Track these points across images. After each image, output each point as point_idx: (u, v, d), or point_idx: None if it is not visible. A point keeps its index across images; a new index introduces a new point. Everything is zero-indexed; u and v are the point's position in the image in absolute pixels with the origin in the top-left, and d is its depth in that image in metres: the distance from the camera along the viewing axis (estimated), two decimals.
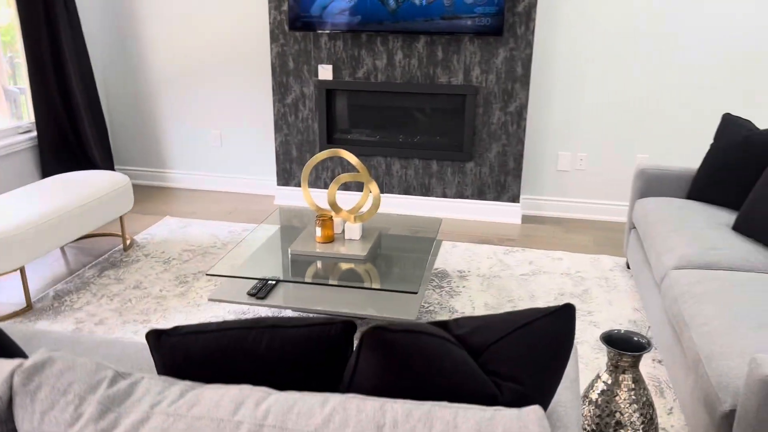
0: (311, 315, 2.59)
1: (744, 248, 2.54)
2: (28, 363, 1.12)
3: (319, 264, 2.86)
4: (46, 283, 3.24)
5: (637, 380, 1.78)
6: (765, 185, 2.63)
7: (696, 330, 2.03)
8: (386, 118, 4.20)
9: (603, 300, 3.10)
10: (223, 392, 1.09)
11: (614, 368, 1.78)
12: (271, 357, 1.23)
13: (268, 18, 4.10)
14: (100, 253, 3.58)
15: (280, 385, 1.22)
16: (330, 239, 2.97)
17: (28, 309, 2.96)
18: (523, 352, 1.19)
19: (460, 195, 4.18)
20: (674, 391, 2.30)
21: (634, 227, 3.30)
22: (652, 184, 3.25)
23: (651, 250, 2.76)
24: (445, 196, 4.21)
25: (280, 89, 4.23)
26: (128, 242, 3.66)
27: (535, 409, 1.00)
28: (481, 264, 3.49)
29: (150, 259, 3.52)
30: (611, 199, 4.16)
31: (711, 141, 3.90)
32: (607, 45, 3.86)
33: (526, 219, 4.20)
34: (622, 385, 1.78)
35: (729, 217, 2.86)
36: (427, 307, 3.02)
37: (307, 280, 2.71)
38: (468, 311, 2.98)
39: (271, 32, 4.11)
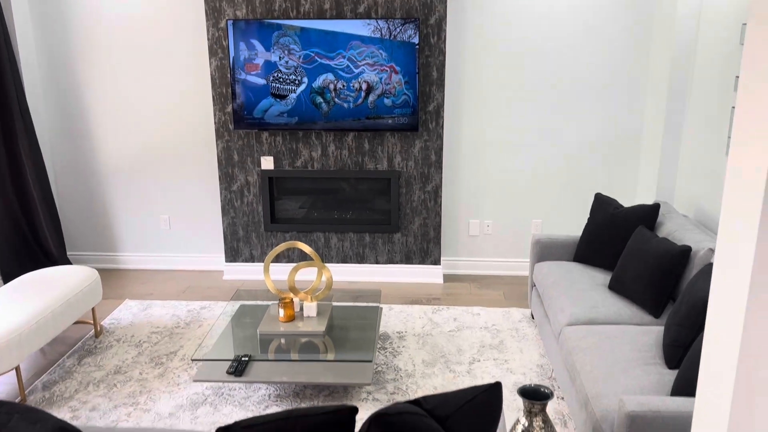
0: (319, 404, 3.13)
1: (617, 305, 3.34)
2: None
3: (283, 341, 3.40)
4: (30, 375, 3.57)
5: (546, 420, 2.47)
6: (627, 255, 3.47)
7: (584, 376, 2.77)
8: (323, 199, 4.82)
9: (515, 349, 3.83)
10: None
11: (529, 413, 2.47)
12: None
13: (214, 118, 4.65)
14: (73, 342, 3.93)
15: None
16: (291, 318, 3.53)
17: (23, 402, 3.30)
18: (473, 418, 1.83)
19: (391, 261, 4.85)
20: (574, 422, 3.02)
21: (535, 286, 4.08)
22: (545, 250, 4.05)
23: (549, 309, 3.52)
24: (377, 262, 4.86)
25: (226, 178, 4.76)
26: (99, 329, 4.03)
27: None
28: (415, 324, 4.15)
29: (122, 343, 3.91)
30: (515, 257, 4.97)
31: (588, 214, 4.80)
32: (502, 131, 4.70)
33: (447, 278, 4.92)
34: (536, 426, 2.46)
35: (605, 277, 3.69)
36: (377, 368, 3.62)
37: (277, 357, 3.25)
38: (410, 369, 3.61)
39: (217, 130, 4.65)
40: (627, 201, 4.79)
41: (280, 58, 4.38)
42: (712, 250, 3.13)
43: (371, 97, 4.43)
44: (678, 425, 2.24)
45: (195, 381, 3.20)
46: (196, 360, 3.25)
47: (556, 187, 4.80)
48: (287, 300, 3.51)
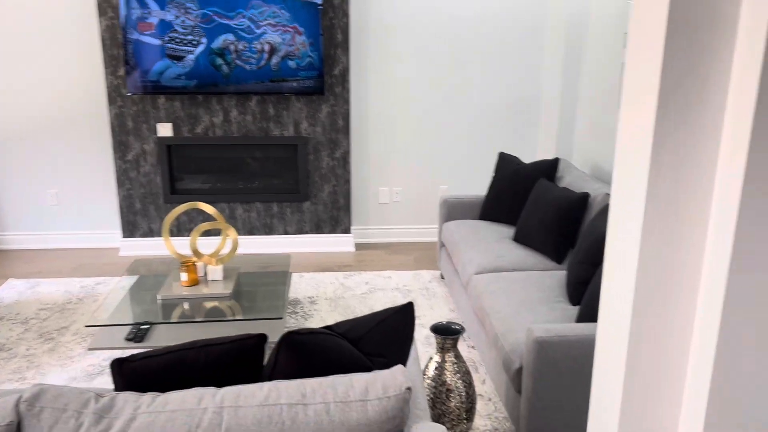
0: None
1: (521, 254, 3.42)
2: (26, 394, 1.47)
3: (187, 305, 3.23)
4: None
5: (458, 356, 2.47)
6: (529, 206, 3.56)
7: (494, 316, 2.80)
8: (226, 168, 4.64)
9: (426, 306, 3.84)
10: (184, 393, 1.54)
11: (441, 350, 2.46)
12: (209, 367, 1.69)
13: (105, 82, 4.35)
14: None
15: (219, 385, 1.68)
16: (195, 282, 3.36)
17: None
18: (384, 337, 1.79)
19: (300, 231, 4.74)
20: (485, 367, 3.06)
21: (444, 245, 4.12)
22: (452, 210, 4.10)
23: (458, 262, 3.55)
24: (286, 233, 4.75)
25: (120, 147, 4.47)
26: None
27: (399, 367, 1.60)
28: (327, 289, 4.08)
29: (6, 321, 3.58)
30: (423, 223, 5.00)
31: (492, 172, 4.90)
32: (407, 98, 4.71)
33: (358, 246, 4.88)
34: (448, 362, 2.46)
35: (509, 231, 3.77)
36: (288, 330, 3.52)
37: (180, 320, 3.08)
38: None
39: (109, 95, 4.36)
40: (529, 160, 4.93)
41: (176, 17, 4.17)
42: (609, 195, 3.27)
43: (274, 59, 4.31)
44: (582, 347, 2.30)
45: (90, 349, 2.97)
46: (90, 326, 3.02)
47: (462, 151, 4.87)
48: (189, 264, 3.34)
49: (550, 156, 4.66)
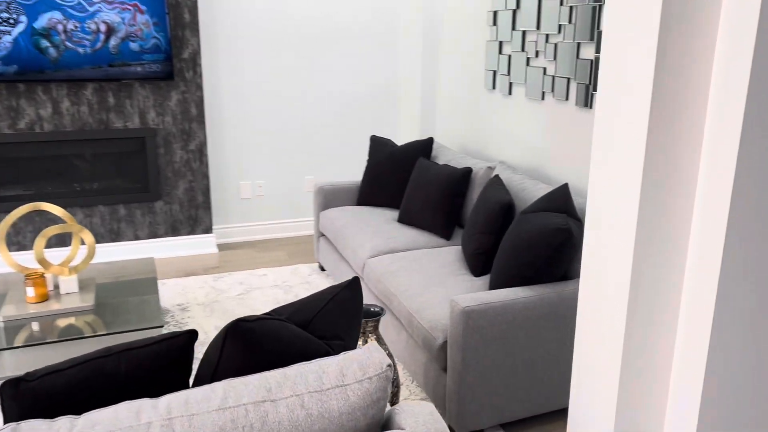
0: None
1: (410, 234, 3.34)
2: None
3: (37, 325, 2.70)
4: None
5: (379, 338, 2.32)
6: (412, 186, 3.50)
7: (401, 296, 2.68)
8: (60, 167, 4.00)
9: None
10: (114, 410, 1.21)
11: (363, 333, 2.28)
12: (131, 376, 1.35)
13: None
14: None
15: (146, 395, 1.35)
16: (44, 297, 2.82)
17: None
18: (336, 318, 1.57)
19: (154, 234, 4.25)
20: (391, 350, 2.93)
21: (323, 235, 3.92)
22: (329, 197, 3.92)
23: (346, 249, 3.39)
24: (137, 238, 4.22)
25: None
26: None
27: (372, 344, 1.40)
28: (196, 294, 3.68)
29: None
30: (291, 217, 4.75)
31: (364, 157, 4.81)
32: (266, 83, 4.44)
33: (222, 247, 4.50)
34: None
35: (391, 213, 3.68)
36: None
37: (30, 343, 2.55)
38: (203, 337, 3.17)
39: None
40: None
41: None
42: (491, 168, 3.31)
43: (113, 41, 3.80)
44: (507, 313, 2.26)
45: None
46: None
47: (325, 140, 4.70)
48: (36, 276, 2.79)
49: (414, 136, 4.67)
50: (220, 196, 4.53)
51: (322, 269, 4.05)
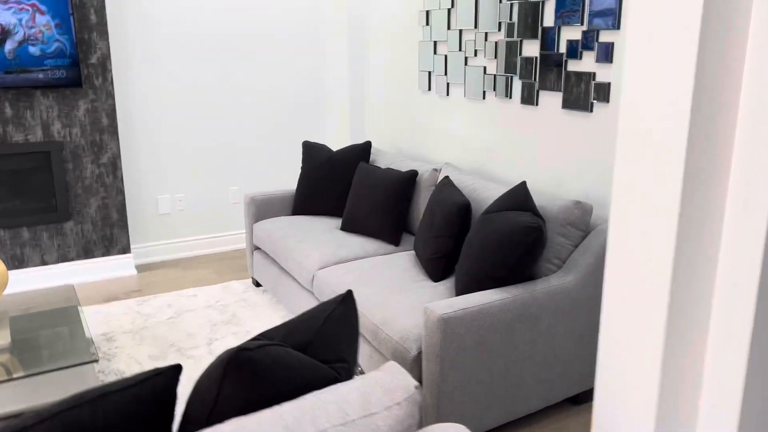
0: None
1: (357, 242, 3.20)
2: None
3: None
4: None
5: None
6: (355, 192, 3.36)
7: (362, 308, 2.54)
8: None
9: (251, 317, 3.39)
10: None
11: None
12: (112, 425, 1.12)
13: None
14: None
15: None
16: None
17: None
18: (335, 338, 1.41)
19: (65, 258, 3.83)
20: (361, 360, 2.77)
21: (258, 248, 3.69)
22: (262, 209, 3.70)
23: (289, 261, 3.19)
24: (45, 263, 3.78)
25: None
26: None
27: (392, 364, 1.25)
28: (121, 321, 3.34)
29: None
30: (216, 231, 4.46)
31: (293, 164, 4.59)
32: (183, 89, 4.14)
33: (141, 268, 4.13)
34: None
35: (333, 221, 3.52)
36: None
37: None
38: (137, 369, 2.86)
39: None
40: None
41: None
42: (436, 170, 3.24)
43: (9, 45, 3.39)
44: (483, 317, 2.18)
45: None
46: None
47: (248, 148, 4.46)
48: None
49: (345, 141, 4.52)
50: (136, 212, 4.17)
51: (258, 285, 3.81)
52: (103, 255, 3.94)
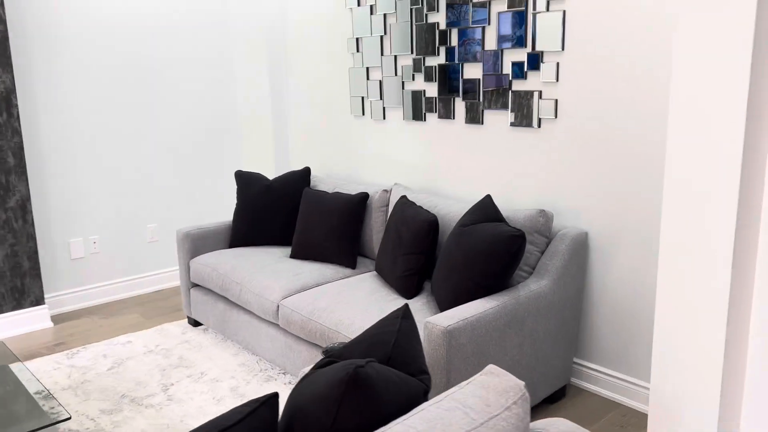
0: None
1: (313, 268, 3.15)
2: None
3: None
4: None
5: None
6: (303, 219, 3.32)
7: (348, 330, 2.51)
8: None
9: (202, 358, 3.20)
10: None
11: None
12: None
13: None
14: None
15: None
16: None
17: None
18: (411, 350, 1.41)
19: None
20: None
21: (196, 285, 3.50)
22: (199, 243, 3.52)
23: (244, 294, 3.06)
24: None
25: None
26: None
27: (491, 366, 1.27)
28: (56, 377, 3.01)
29: None
30: (135, 273, 4.16)
31: (213, 196, 4.41)
32: (94, 124, 3.86)
33: (57, 319, 3.75)
34: None
35: (280, 250, 3.44)
36: None
37: None
38: (92, 425, 2.59)
39: None
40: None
41: None
42: (386, 191, 3.29)
43: None
44: (480, 326, 2.25)
45: None
46: None
47: (167, 182, 4.23)
48: None
49: (270, 170, 4.43)
50: (47, 258, 3.79)
51: (196, 324, 3.61)
52: (14, 309, 3.54)
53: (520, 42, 2.82)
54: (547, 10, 2.69)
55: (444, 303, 2.48)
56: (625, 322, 2.67)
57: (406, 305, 1.51)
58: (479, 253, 2.37)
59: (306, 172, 3.64)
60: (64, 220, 3.83)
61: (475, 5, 2.96)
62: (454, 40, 3.10)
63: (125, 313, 3.86)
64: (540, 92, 2.79)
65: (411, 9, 3.27)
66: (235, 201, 4.59)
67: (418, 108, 3.35)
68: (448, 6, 3.08)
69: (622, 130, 2.54)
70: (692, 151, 1.35)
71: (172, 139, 4.21)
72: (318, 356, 2.70)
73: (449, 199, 3.01)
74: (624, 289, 2.65)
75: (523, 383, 1.23)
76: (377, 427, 1.17)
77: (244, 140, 4.55)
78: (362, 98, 3.69)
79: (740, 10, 1.21)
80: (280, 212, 3.53)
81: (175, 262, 4.33)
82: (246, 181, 3.62)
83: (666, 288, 1.44)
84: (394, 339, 1.40)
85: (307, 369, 1.61)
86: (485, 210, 2.57)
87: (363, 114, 3.70)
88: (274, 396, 1.18)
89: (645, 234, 2.54)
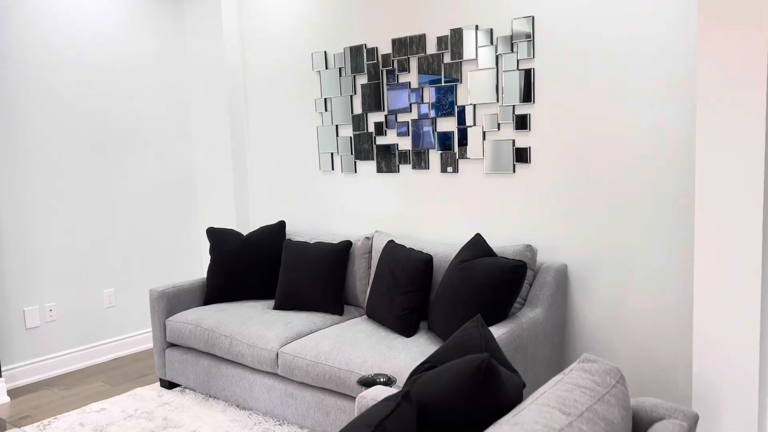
0: None
1: (302, 317, 3.18)
2: None
3: None
4: None
5: None
6: (286, 272, 3.36)
7: (360, 369, 2.56)
8: None
9: (190, 418, 3.09)
10: None
11: None
12: None
13: None
14: None
15: None
16: None
17: None
18: (498, 353, 1.53)
19: None
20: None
21: (173, 345, 3.41)
22: (174, 302, 3.46)
23: (237, 346, 3.03)
24: None
25: None
26: None
27: (585, 355, 1.42)
28: None
29: None
30: (95, 340, 3.95)
31: (171, 257, 4.30)
32: (47, 189, 3.74)
33: (13, 393, 3.47)
34: None
35: (261, 303, 3.44)
36: None
37: None
38: None
39: None
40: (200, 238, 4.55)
41: None
42: (368, 238, 3.42)
43: None
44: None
45: None
46: None
47: (122, 245, 4.12)
48: None
49: (231, 226, 4.41)
50: (1, 329, 3.54)
51: (171, 386, 3.47)
52: None
53: (492, 97, 3.12)
54: (517, 68, 3.03)
55: (450, 335, 2.61)
56: (604, 344, 2.91)
57: (479, 315, 1.64)
58: (486, 283, 2.54)
59: (281, 226, 3.70)
60: (19, 286, 3.62)
61: (446, 66, 3.25)
62: (433, 97, 3.35)
63: (87, 382, 3.65)
64: (513, 141, 3.08)
65: (382, 71, 3.52)
66: (199, 258, 4.52)
67: (392, 161, 3.54)
68: (420, 69, 3.35)
69: (591, 170, 2.86)
70: (720, 162, 1.62)
71: (128, 199, 4.13)
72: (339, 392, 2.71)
73: (438, 242, 3.19)
74: (602, 314, 2.90)
75: (617, 366, 1.39)
76: (506, 412, 1.28)
77: (203, 197, 4.54)
78: (331, 154, 3.84)
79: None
80: (258, 266, 3.55)
81: (134, 326, 4.17)
82: (220, 237, 3.62)
83: (702, 287, 1.68)
84: (483, 343, 1.52)
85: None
86: (479, 246, 2.77)
87: (332, 168, 3.85)
88: (408, 391, 1.27)
89: (618, 262, 2.83)
